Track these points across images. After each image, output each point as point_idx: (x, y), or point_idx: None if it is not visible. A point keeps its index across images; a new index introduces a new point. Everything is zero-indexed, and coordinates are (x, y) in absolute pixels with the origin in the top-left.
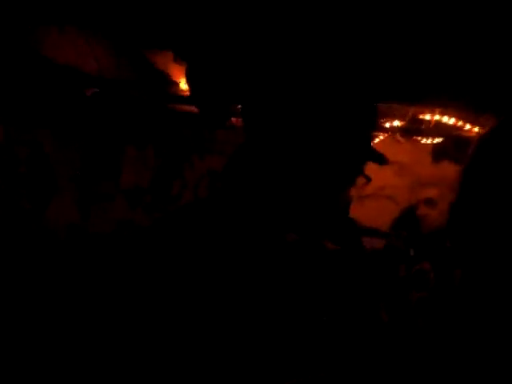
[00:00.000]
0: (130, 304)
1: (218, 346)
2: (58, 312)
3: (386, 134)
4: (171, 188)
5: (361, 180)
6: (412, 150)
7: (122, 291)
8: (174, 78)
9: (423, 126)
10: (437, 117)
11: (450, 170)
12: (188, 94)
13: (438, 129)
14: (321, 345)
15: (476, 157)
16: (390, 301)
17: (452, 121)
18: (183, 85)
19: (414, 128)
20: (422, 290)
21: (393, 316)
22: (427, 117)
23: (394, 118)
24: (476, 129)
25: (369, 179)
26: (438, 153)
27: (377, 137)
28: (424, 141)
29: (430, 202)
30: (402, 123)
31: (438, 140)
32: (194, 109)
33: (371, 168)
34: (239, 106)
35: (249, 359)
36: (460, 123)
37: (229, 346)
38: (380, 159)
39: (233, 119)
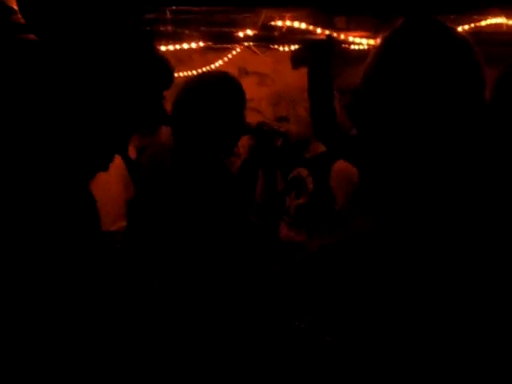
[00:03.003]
0: None
1: None
2: None
3: (242, 46)
4: None
5: None
6: (271, 61)
7: None
8: (12, 5)
9: (276, 33)
10: (288, 23)
11: None
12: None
13: (291, 34)
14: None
15: (384, 57)
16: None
17: (303, 26)
18: None
19: (267, 36)
20: (300, 196)
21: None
22: (279, 23)
23: (245, 26)
24: (327, 32)
25: None
26: (295, 59)
27: (233, 49)
28: (281, 49)
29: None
30: (255, 31)
31: (294, 47)
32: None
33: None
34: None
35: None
36: (311, 27)
37: None
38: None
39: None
